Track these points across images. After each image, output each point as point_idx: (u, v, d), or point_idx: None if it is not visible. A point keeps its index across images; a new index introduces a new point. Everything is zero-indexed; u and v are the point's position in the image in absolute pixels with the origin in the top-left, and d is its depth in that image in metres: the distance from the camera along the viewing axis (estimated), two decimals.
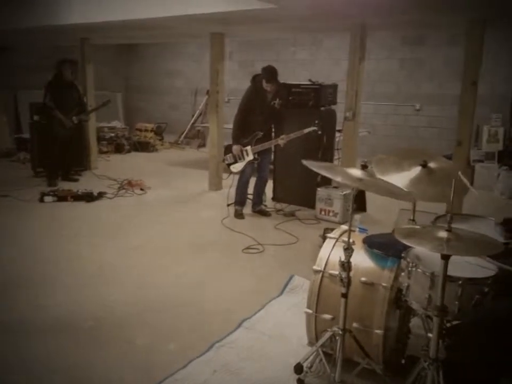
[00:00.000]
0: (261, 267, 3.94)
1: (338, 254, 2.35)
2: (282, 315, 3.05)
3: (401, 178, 2.52)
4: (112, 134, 9.99)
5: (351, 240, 2.36)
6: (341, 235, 2.49)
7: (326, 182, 5.76)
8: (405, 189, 2.35)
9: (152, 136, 10.45)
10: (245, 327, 2.88)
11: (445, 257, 1.77)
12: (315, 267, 2.39)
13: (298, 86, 5.75)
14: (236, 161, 5.14)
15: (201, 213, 5.51)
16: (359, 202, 5.50)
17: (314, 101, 5.54)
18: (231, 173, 5.31)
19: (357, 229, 2.59)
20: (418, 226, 2.06)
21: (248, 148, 5.07)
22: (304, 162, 2.13)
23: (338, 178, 2.04)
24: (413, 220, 2.77)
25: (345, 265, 2.09)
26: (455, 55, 7.65)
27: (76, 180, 6.85)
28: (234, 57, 10.22)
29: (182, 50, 11.23)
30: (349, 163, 5.48)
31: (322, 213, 5.31)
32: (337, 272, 2.27)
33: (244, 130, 5.08)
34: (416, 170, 2.57)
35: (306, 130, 5.00)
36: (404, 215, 4.90)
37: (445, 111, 8.15)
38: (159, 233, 4.79)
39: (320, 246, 4.22)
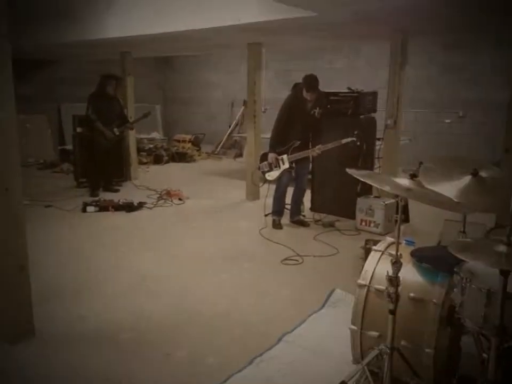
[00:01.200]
0: (300, 279, 3.85)
1: (384, 268, 2.24)
2: (324, 329, 2.94)
3: (450, 188, 2.39)
4: (151, 145, 10.17)
5: (398, 253, 2.26)
6: (387, 247, 2.38)
7: (366, 191, 5.62)
8: (455, 199, 2.23)
9: (189, 147, 10.55)
10: (286, 342, 2.80)
11: (505, 273, 1.65)
12: (360, 281, 2.29)
13: (336, 94, 5.66)
14: (271, 169, 5.08)
15: (239, 223, 5.48)
16: (402, 212, 5.32)
17: (353, 109, 5.43)
18: (265, 181, 5.24)
19: (404, 241, 2.47)
20: (471, 240, 1.93)
21: (284, 156, 5.01)
22: (349, 171, 2.04)
23: (386, 188, 1.94)
24: (464, 232, 2.63)
25: (393, 280, 1.98)
26: (501, 59, 7.38)
27: (117, 191, 6.95)
28: (271, 66, 10.20)
29: (219, 61, 11.32)
30: (390, 172, 5.33)
31: (363, 223, 5.16)
32: (383, 287, 2.16)
33: (282, 138, 5.02)
34: (466, 179, 2.43)
35: (344, 141, 4.89)
36: (450, 226, 4.72)
37: (490, 117, 7.85)
38: (197, 243, 4.78)
39: (362, 258, 4.14)
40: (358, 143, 4.99)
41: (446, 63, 8.25)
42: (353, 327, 2.27)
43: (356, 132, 5.09)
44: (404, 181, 1.96)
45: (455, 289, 2.03)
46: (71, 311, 3.24)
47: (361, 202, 5.19)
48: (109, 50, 7.76)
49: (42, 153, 9.70)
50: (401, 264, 2.01)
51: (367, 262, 2.34)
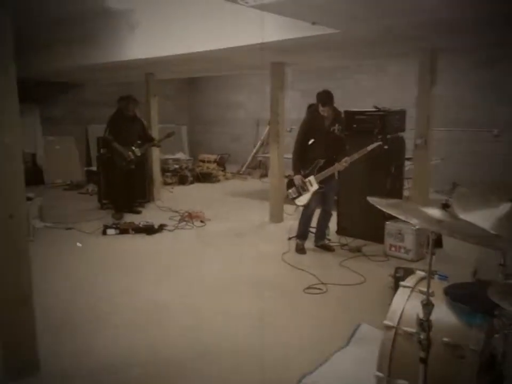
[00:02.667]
0: (323, 311, 3.59)
1: (414, 307, 2.01)
2: (349, 371, 2.68)
3: (486, 217, 2.13)
4: (177, 166, 10.14)
5: (430, 290, 2.01)
6: (417, 283, 2.14)
7: None
8: (492, 231, 1.97)
9: (214, 167, 10.47)
10: None
11: None
12: (387, 322, 2.04)
13: (362, 113, 5.45)
14: (300, 194, 4.86)
15: (261, 247, 5.27)
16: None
17: (380, 128, 5.19)
18: (297, 207, 5.04)
19: (436, 276, 2.21)
20: None
21: (311, 177, 4.80)
22: (371, 200, 1.83)
23: (414, 221, 1.71)
24: (504, 265, 2.35)
25: (425, 325, 1.74)
26: None
27: (139, 212, 6.86)
28: (296, 86, 10.08)
29: (243, 82, 11.29)
30: (420, 194, 5.06)
31: (393, 249, 4.88)
32: (413, 330, 1.92)
33: (304, 160, 4.85)
34: (506, 207, 2.17)
35: (370, 147, 4.68)
36: (487, 255, 4.38)
37: None
38: (215, 269, 4.59)
39: (391, 288, 3.86)
40: (386, 147, 4.76)
41: (478, 81, 7.92)
42: (379, 374, 2.02)
43: (380, 136, 4.85)
44: (435, 212, 1.73)
45: (496, 335, 1.77)
46: (78, 343, 3.08)
47: (390, 226, 4.90)
48: (133, 73, 7.81)
49: (70, 174, 9.80)
50: (433, 305, 1.77)
51: (394, 299, 2.10)
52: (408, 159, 5.60)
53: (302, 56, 5.76)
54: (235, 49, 5.14)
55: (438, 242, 5.10)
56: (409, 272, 4.00)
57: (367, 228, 5.38)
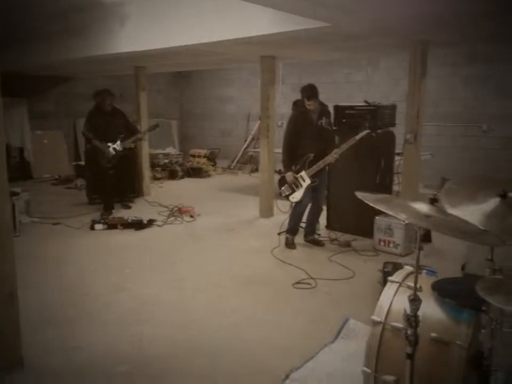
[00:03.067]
0: (312, 306, 3.58)
1: (402, 302, 1.99)
2: (336, 366, 2.67)
3: (474, 213, 2.12)
4: (166, 161, 10.07)
5: (417, 286, 2.00)
6: (404, 278, 2.12)
7: None
8: (481, 226, 1.95)
9: (205, 162, 10.42)
10: (294, 380, 2.54)
11: None
12: (374, 317, 2.03)
13: (352, 107, 5.43)
14: (293, 191, 4.83)
15: (251, 242, 5.24)
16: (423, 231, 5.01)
17: (370, 123, 5.16)
18: (291, 204, 5.01)
19: (424, 271, 2.20)
20: (503, 277, 1.66)
21: (303, 173, 4.78)
22: (359, 194, 1.80)
23: (401, 216, 1.69)
24: (491, 260, 2.34)
25: (412, 320, 1.72)
26: None
27: (129, 207, 6.78)
28: (287, 80, 10.04)
29: (234, 76, 11.22)
30: (410, 189, 5.05)
31: (382, 243, 4.88)
32: (401, 325, 1.90)
33: (294, 156, 4.83)
34: (493, 202, 2.17)
35: (358, 136, 4.68)
36: (476, 249, 4.40)
37: None
38: (205, 264, 4.55)
39: (380, 283, 3.85)
40: (374, 135, 4.78)
41: (470, 75, 7.93)
42: (366, 369, 2.01)
43: (366, 124, 4.85)
44: (423, 207, 1.71)
45: (483, 330, 1.76)
46: (65, 340, 3.03)
47: (380, 221, 4.90)
48: (123, 66, 7.71)
49: (58, 168, 9.70)
50: (420, 301, 1.75)
51: (382, 295, 2.08)
52: (398, 154, 5.59)
53: (292, 50, 5.71)
54: (225, 43, 5.08)
55: (427, 237, 5.10)
56: (397, 266, 3.99)
57: (357, 223, 5.37)
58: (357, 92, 8.87)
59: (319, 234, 5.29)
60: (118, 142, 6.34)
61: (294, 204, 4.96)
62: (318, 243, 5.11)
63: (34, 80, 9.47)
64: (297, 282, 4.00)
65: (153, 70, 8.39)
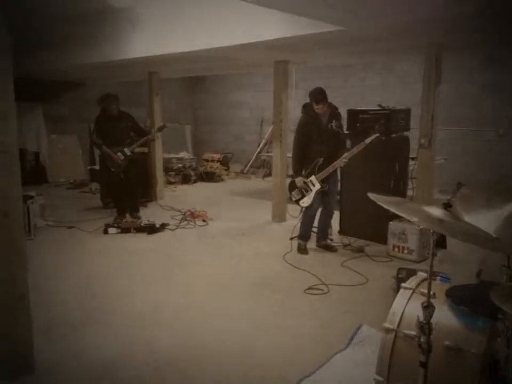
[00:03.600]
0: (324, 311, 3.54)
1: (415, 309, 1.95)
2: (348, 373, 2.63)
3: (489, 219, 2.07)
4: (180, 165, 10.11)
5: (431, 293, 1.96)
6: (418, 285, 2.08)
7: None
8: (495, 234, 1.90)
9: (218, 166, 10.44)
10: None
11: None
12: (386, 324, 1.99)
13: (366, 111, 5.38)
14: (303, 196, 4.81)
15: (263, 247, 5.22)
16: (438, 237, 4.93)
17: (379, 127, 5.11)
18: (301, 209, 4.97)
19: (438, 278, 2.16)
20: None
21: (312, 177, 4.75)
22: (371, 195, 1.77)
23: (414, 219, 1.66)
24: (508, 267, 2.29)
25: (425, 328, 1.68)
26: None
27: (138, 218, 6.41)
28: (301, 85, 10.01)
29: (248, 81, 11.25)
30: (424, 194, 4.99)
31: (396, 249, 4.81)
32: (414, 333, 1.86)
33: (304, 160, 4.81)
34: (509, 208, 2.11)
35: (368, 140, 4.61)
36: (492, 255, 4.31)
37: None
38: (216, 269, 4.54)
39: (393, 289, 3.80)
40: (383, 138, 4.71)
41: (485, 80, 7.83)
42: (378, 377, 1.97)
43: (376, 127, 4.81)
44: (436, 211, 1.67)
45: (499, 339, 1.71)
46: (75, 343, 3.03)
47: (394, 226, 4.84)
48: (136, 71, 7.79)
49: (73, 173, 9.81)
50: (433, 308, 1.71)
51: (395, 301, 2.04)
52: (413, 158, 5.53)
53: (306, 54, 5.71)
54: (238, 47, 5.10)
55: (442, 243, 5.03)
56: (411, 273, 3.93)
57: (370, 228, 5.32)
58: (371, 96, 8.81)
59: (331, 239, 5.25)
60: (126, 147, 6.29)
61: (304, 209, 4.93)
62: (330, 248, 5.06)
63: (50, 85, 9.61)
64: (309, 288, 3.96)
65: (166, 75, 8.44)
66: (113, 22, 6.07)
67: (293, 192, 4.89)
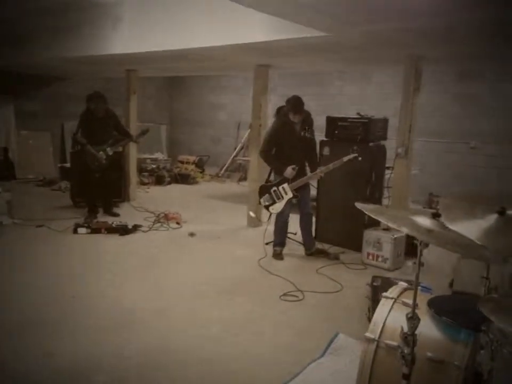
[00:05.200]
0: (299, 319, 3.50)
1: (397, 319, 1.93)
2: (324, 382, 2.58)
3: (472, 229, 2.07)
4: (154, 166, 9.95)
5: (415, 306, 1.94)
6: (400, 294, 2.06)
7: (375, 222, 5.30)
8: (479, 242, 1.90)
9: (193, 169, 10.32)
10: None
11: None
12: (368, 334, 1.95)
13: (345, 119, 5.40)
14: (274, 202, 4.72)
15: (237, 251, 5.15)
16: (410, 245, 4.97)
17: (362, 136, 5.15)
18: (270, 215, 4.89)
19: (419, 288, 2.14)
20: (506, 297, 1.60)
21: (285, 185, 4.68)
22: (359, 205, 1.74)
23: (404, 229, 1.63)
24: (487, 278, 2.30)
25: (409, 339, 1.65)
26: None
27: (116, 215, 6.45)
28: (279, 91, 10.01)
29: (226, 83, 11.19)
30: (400, 203, 5.03)
31: (370, 257, 4.82)
32: (395, 343, 1.84)
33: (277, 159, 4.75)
34: (492, 218, 2.12)
35: (346, 159, 4.59)
36: (465, 263, 4.36)
37: (505, 149, 7.57)
38: (189, 273, 4.45)
39: (368, 297, 3.79)
40: (360, 158, 4.73)
41: (459, 93, 8.00)
42: None
43: (355, 147, 4.86)
44: (425, 221, 1.65)
45: (482, 351, 1.70)
46: (42, 347, 2.90)
47: (369, 235, 4.85)
48: (115, 68, 7.62)
49: (43, 170, 9.51)
50: (419, 319, 1.69)
51: (376, 311, 2.01)
52: (388, 167, 5.58)
53: (289, 59, 5.69)
54: (221, 48, 5.04)
55: (415, 251, 5.07)
56: (386, 281, 3.94)
57: (345, 235, 5.33)
58: (348, 105, 8.88)
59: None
60: (109, 147, 6.20)
61: (276, 217, 4.87)
62: (324, 253, 5.00)
63: (21, 79, 9.30)
64: (284, 294, 3.91)
65: (145, 74, 8.30)
66: (95, 17, 5.93)
67: (263, 197, 4.78)
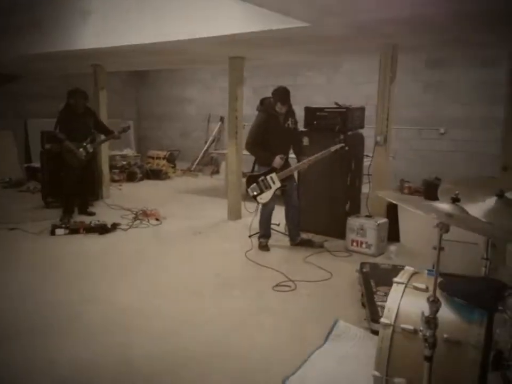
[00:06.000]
0: (295, 308, 3.52)
1: (410, 303, 1.98)
2: (332, 370, 2.62)
3: (475, 211, 2.14)
4: (124, 162, 9.75)
5: (423, 286, 1.99)
6: (409, 278, 2.10)
7: (356, 210, 5.39)
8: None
9: (164, 164, 10.17)
10: None
11: None
12: (383, 320, 1.98)
13: (323, 109, 5.43)
14: (262, 192, 4.72)
15: (223, 245, 5.13)
16: (391, 230, 5.09)
17: (341, 125, 5.20)
18: (258, 204, 4.88)
19: (426, 272, 2.19)
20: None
21: (273, 174, 4.70)
22: (381, 193, 1.76)
23: (432, 215, 1.65)
24: (487, 259, 2.37)
25: (431, 322, 1.69)
26: (486, 76, 7.42)
27: (92, 214, 6.31)
28: (249, 82, 9.96)
29: (193, 77, 11.05)
30: (381, 189, 5.12)
31: (354, 244, 4.90)
32: (411, 327, 1.88)
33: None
34: (491, 201, 2.20)
35: (333, 148, 4.65)
36: (448, 248, 4.50)
37: (472, 134, 7.84)
38: (179, 269, 4.40)
39: (359, 283, 3.85)
40: (347, 148, 4.80)
41: (427, 80, 8.20)
42: (376, 373, 1.96)
43: (341, 137, 4.92)
44: (445, 206, 1.69)
45: (497, 330, 1.76)
46: (36, 354, 2.80)
47: (352, 222, 4.93)
48: (80, 64, 7.38)
49: (8, 171, 9.13)
50: (440, 303, 1.73)
51: (389, 297, 2.04)
52: (367, 156, 5.67)
53: (263, 50, 5.66)
54: (195, 41, 4.96)
55: (395, 235, 5.20)
56: (374, 267, 4.04)
57: (328, 224, 5.39)
58: (318, 95, 8.95)
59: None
60: (89, 144, 6.06)
61: (260, 208, 4.88)
62: (309, 242, 5.02)
63: None
64: (277, 285, 3.93)
65: (111, 69, 8.07)
66: (62, 11, 5.72)
67: (251, 187, 4.75)
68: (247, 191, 4.84)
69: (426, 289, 2.01)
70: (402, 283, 2.08)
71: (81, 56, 6.47)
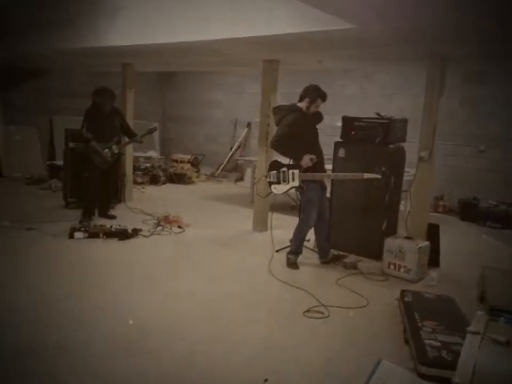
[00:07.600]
0: (328, 339, 3.16)
1: (488, 359, 1.62)
2: None
3: None
4: (148, 165, 9.56)
5: (503, 339, 1.64)
6: (485, 327, 1.75)
7: (392, 229, 5.03)
8: None
9: (188, 168, 9.94)
10: None
11: None
12: (456, 380, 1.63)
13: (361, 119, 5.08)
14: (279, 182, 4.47)
15: (248, 259, 4.80)
16: (430, 254, 4.70)
17: (382, 138, 4.85)
18: (270, 192, 4.69)
19: (502, 319, 1.84)
20: None
21: (296, 171, 4.38)
22: None
23: None
24: None
25: None
26: None
27: (113, 217, 6.08)
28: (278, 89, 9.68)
29: (221, 81, 10.82)
30: (421, 209, 4.76)
31: (391, 267, 4.52)
32: None
33: (297, 153, 4.42)
34: None
35: (366, 176, 4.28)
36: (491, 275, 4.09)
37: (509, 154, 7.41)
38: (201, 283, 4.09)
39: (401, 315, 3.48)
40: (381, 178, 4.45)
41: (463, 95, 7.78)
42: None
43: (383, 169, 4.61)
44: None
45: None
46: (41, 367, 2.52)
47: (390, 243, 4.55)
48: (109, 62, 7.21)
49: (31, 167, 9.02)
50: None
51: (463, 350, 1.69)
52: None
53: (301, 54, 5.38)
54: (231, 41, 4.70)
55: (435, 261, 4.82)
56: (418, 296, 3.65)
57: (362, 243, 5.02)
58: (350, 105, 8.61)
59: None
60: (115, 145, 5.87)
61: (299, 222, 4.57)
62: (340, 260, 4.72)
63: (9, 72, 8.80)
64: (308, 310, 3.58)
65: (141, 69, 7.89)
66: (91, 8, 5.54)
67: (271, 172, 4.54)
68: (266, 176, 4.64)
69: (508, 344, 1.66)
70: (477, 333, 1.73)
71: (109, 54, 6.29)
